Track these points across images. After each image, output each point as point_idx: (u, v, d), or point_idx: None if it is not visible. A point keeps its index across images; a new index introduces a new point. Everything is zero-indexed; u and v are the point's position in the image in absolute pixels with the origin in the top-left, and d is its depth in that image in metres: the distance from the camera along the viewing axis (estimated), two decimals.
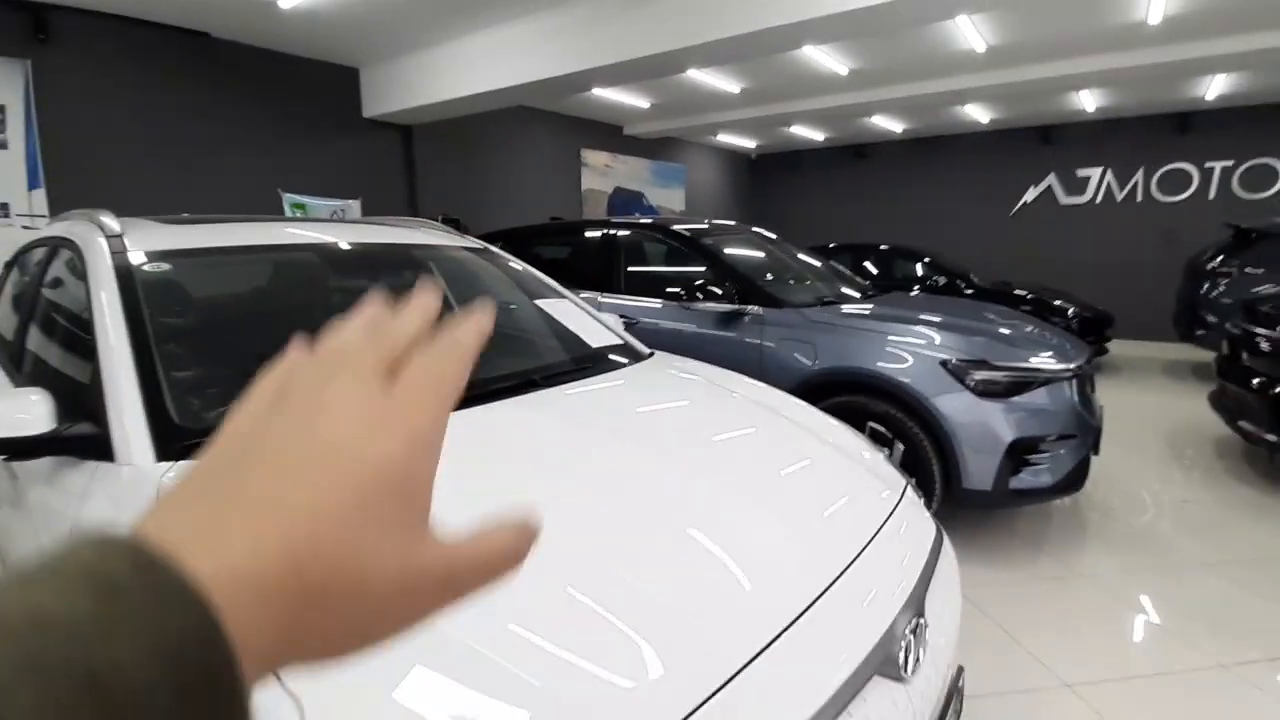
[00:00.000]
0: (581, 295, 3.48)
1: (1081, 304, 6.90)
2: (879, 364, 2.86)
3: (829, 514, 1.25)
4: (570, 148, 8.91)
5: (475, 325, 0.27)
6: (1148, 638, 2.27)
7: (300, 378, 0.25)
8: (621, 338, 2.21)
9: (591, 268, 4.06)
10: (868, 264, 7.86)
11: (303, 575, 0.20)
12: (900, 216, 10.21)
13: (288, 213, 6.22)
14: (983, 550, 2.87)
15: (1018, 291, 6.98)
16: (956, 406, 2.69)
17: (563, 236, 4.69)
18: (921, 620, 1.10)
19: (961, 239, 9.31)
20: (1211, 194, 7.92)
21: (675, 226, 3.87)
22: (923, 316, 3.17)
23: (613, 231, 4.12)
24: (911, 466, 2.78)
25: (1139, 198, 8.38)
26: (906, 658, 1.02)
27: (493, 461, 1.23)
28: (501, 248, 4.43)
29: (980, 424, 2.66)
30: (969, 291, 7.04)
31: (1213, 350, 4.97)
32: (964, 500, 2.73)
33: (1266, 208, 7.32)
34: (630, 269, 3.95)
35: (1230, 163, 7.78)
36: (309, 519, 0.21)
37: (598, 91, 7.17)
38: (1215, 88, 6.92)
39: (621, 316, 3.43)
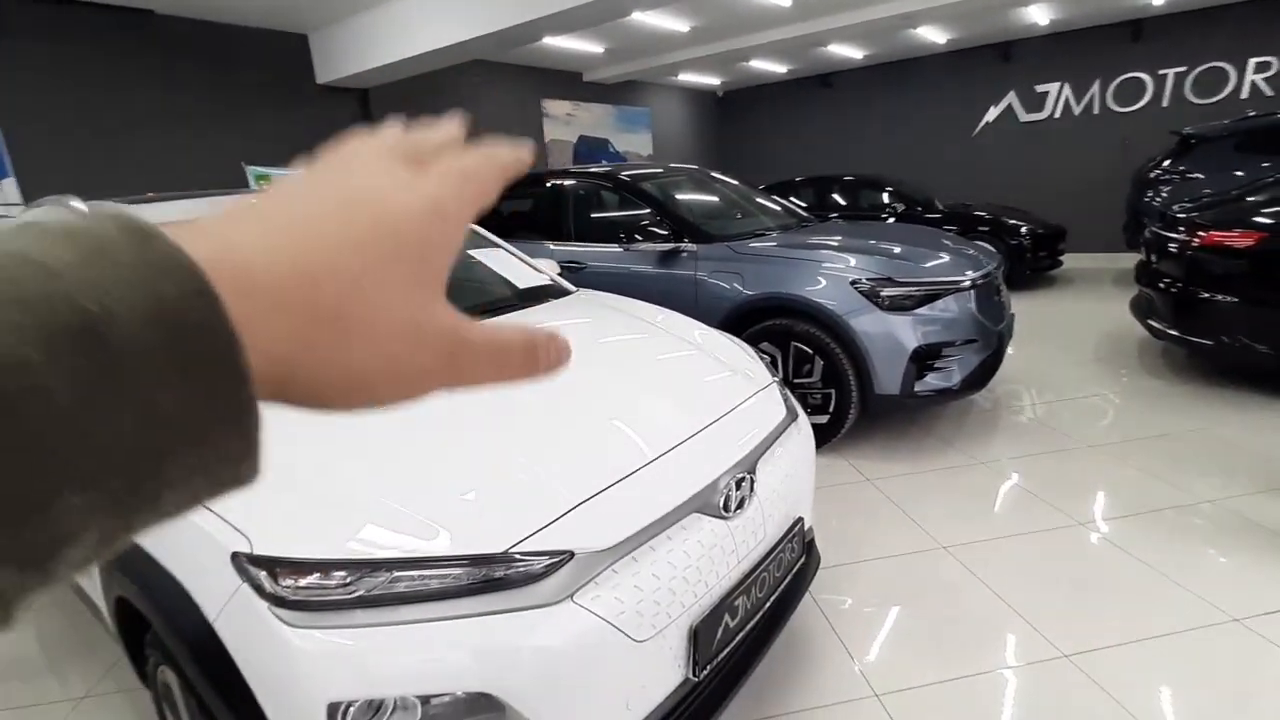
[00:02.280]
0: (531, 245, 3.73)
1: (1036, 221, 7.12)
2: (799, 289, 3.13)
3: (687, 404, 1.55)
4: (531, 99, 8.91)
5: (512, 150, 0.27)
6: (1019, 507, 2.64)
7: (333, 155, 0.25)
8: (551, 279, 2.47)
9: (545, 218, 4.28)
10: (835, 195, 8.04)
11: (318, 289, 0.20)
12: (868, 145, 10.27)
13: (252, 185, 6.36)
14: (899, 449, 3.23)
15: (976, 213, 7.19)
16: (867, 322, 2.98)
17: (518, 189, 4.86)
18: (750, 477, 1.42)
19: (927, 163, 9.42)
20: (1165, 102, 8.01)
21: (620, 174, 4.07)
22: (842, 241, 3.43)
23: (561, 182, 4.31)
24: (831, 378, 3.10)
25: (1096, 110, 8.46)
26: (728, 502, 1.34)
27: None
28: None
29: (887, 335, 2.96)
30: (930, 216, 7.25)
31: None
32: (878, 405, 3.06)
33: (1220, 112, 7.42)
34: (579, 217, 4.17)
35: (1183, 68, 7.84)
36: (326, 242, 0.21)
37: (551, 40, 7.17)
38: None
39: (569, 262, 3.72)
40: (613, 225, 3.97)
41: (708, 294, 3.37)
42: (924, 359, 2.99)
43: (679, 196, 4.05)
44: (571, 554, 1.08)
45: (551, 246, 4.01)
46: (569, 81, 9.31)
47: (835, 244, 3.40)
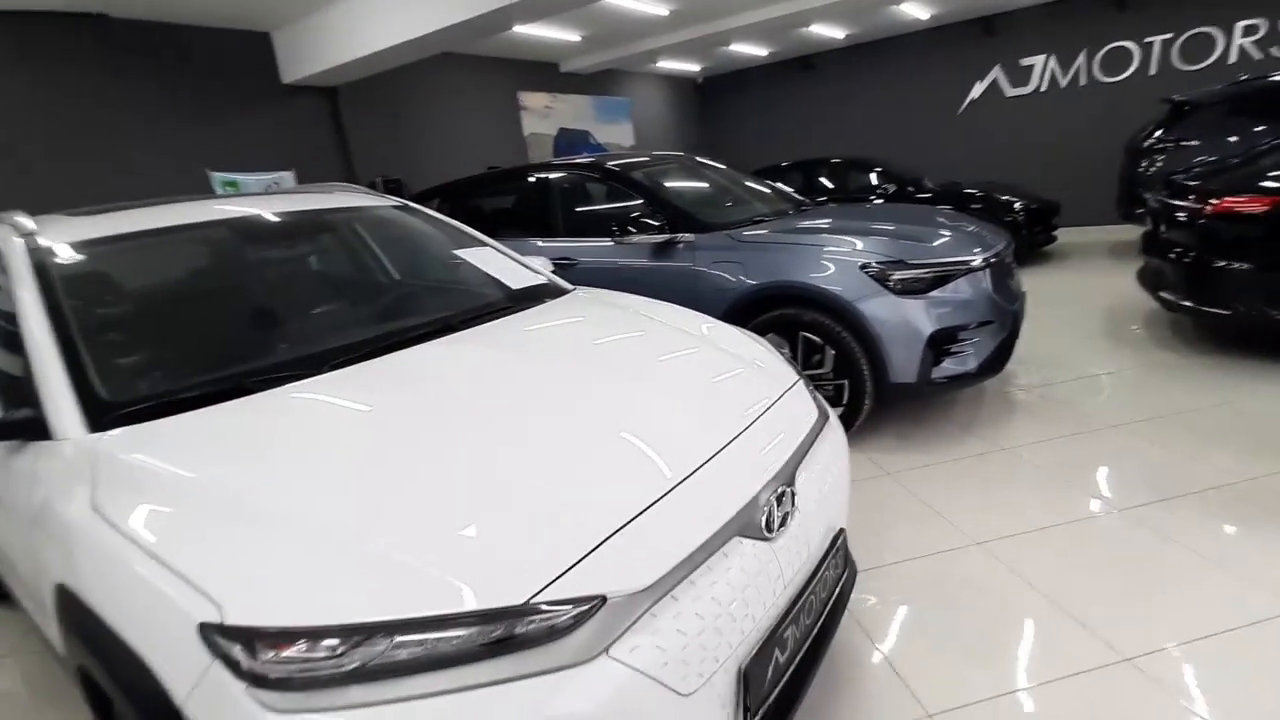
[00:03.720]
0: (517, 242, 3.56)
1: (1029, 196, 7.05)
2: (806, 276, 2.99)
3: (709, 410, 1.40)
4: (506, 92, 8.68)
5: None
6: (1050, 494, 2.52)
7: None
8: (546, 278, 2.31)
9: (530, 213, 4.10)
10: (822, 179, 7.92)
11: None
12: (852, 126, 10.15)
13: (219, 191, 6.10)
14: (917, 438, 3.10)
15: (967, 191, 7.10)
16: (879, 307, 2.85)
17: (500, 185, 4.69)
18: (789, 490, 1.27)
19: (913, 143, 9.32)
20: (1153, 69, 7.96)
21: (607, 163, 3.90)
22: (848, 225, 3.30)
23: (546, 175, 4.14)
24: (844, 368, 2.96)
25: (1083, 81, 8.39)
26: (770, 521, 1.19)
27: (424, 394, 1.38)
28: (439, 204, 4.51)
29: (901, 321, 2.82)
30: (921, 196, 7.15)
31: None
32: (893, 394, 2.93)
33: (1208, 77, 7.38)
34: (567, 211, 3.99)
35: (1169, 35, 7.79)
36: None
37: (524, 29, 6.95)
38: None
39: (559, 259, 3.55)
40: (603, 218, 3.79)
41: (709, 286, 3.21)
42: (940, 344, 2.86)
43: (670, 185, 3.89)
44: (604, 599, 0.92)
45: (539, 243, 3.84)
46: (546, 73, 9.09)
47: (839, 227, 3.26)
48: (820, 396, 1.72)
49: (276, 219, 2.19)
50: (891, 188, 7.47)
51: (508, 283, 2.16)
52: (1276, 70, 6.35)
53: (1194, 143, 5.95)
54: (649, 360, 1.67)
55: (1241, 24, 7.34)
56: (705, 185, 4.14)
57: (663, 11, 6.98)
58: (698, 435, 1.29)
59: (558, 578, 0.92)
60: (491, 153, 8.00)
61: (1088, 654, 1.73)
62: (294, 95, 6.58)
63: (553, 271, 2.46)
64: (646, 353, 1.71)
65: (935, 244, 3.05)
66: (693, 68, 10.90)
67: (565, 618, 0.89)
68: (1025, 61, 8.70)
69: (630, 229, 3.44)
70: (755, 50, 9.75)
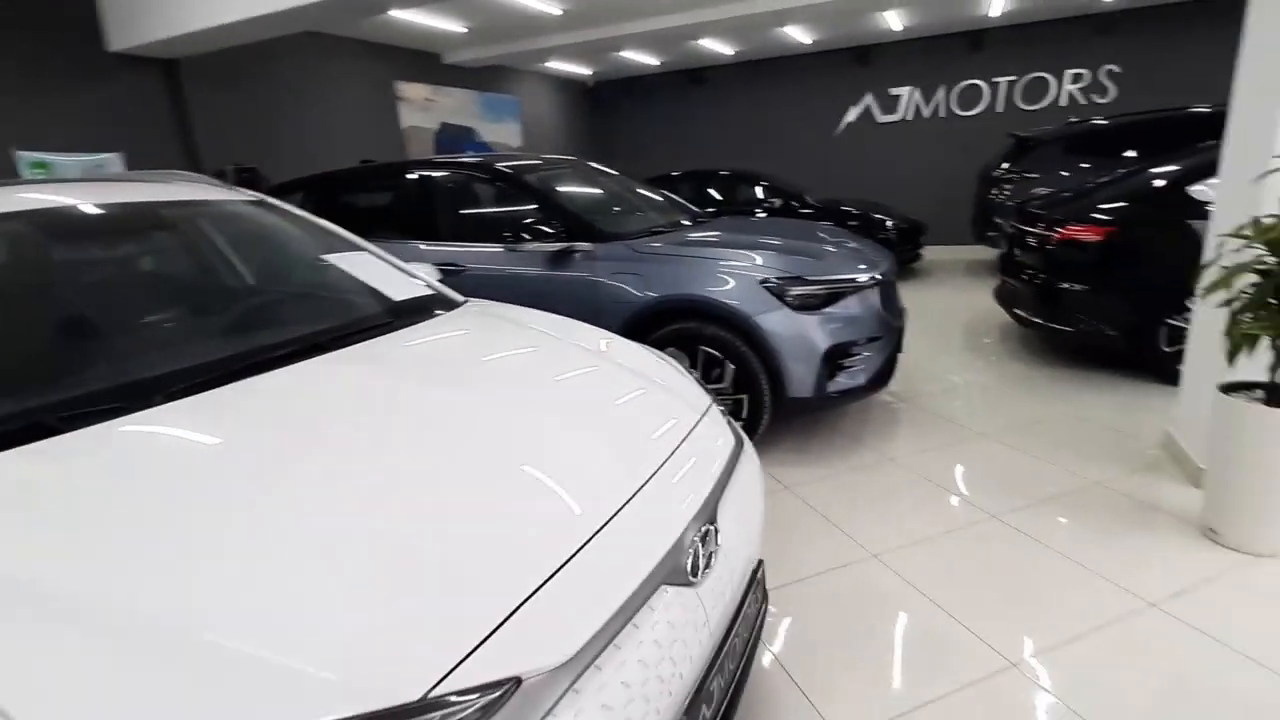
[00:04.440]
0: (395, 245, 3.29)
1: (899, 216, 7.66)
2: (707, 289, 3.00)
3: (622, 441, 1.31)
4: (382, 81, 8.14)
5: None
6: (934, 503, 2.68)
7: None
8: (434, 288, 2.11)
9: (411, 214, 3.81)
10: (711, 190, 8.14)
11: None
12: (739, 140, 10.56)
13: (25, 174, 5.18)
14: (811, 450, 3.20)
15: (845, 208, 7.58)
16: (778, 322, 2.90)
17: (376, 181, 4.34)
18: (712, 527, 1.21)
19: (796, 160, 9.85)
20: (1000, 107, 8.96)
21: (499, 164, 3.71)
22: (745, 239, 3.35)
23: (430, 172, 3.87)
24: (743, 383, 2.99)
25: (942, 113, 9.28)
26: (696, 563, 1.12)
27: (286, 431, 1.16)
28: (303, 199, 4.09)
29: (799, 336, 2.90)
30: (804, 211, 7.54)
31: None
32: (791, 408, 3.00)
33: (1043, 118, 8.41)
34: (453, 213, 3.76)
35: (1014, 77, 8.81)
36: None
37: (403, 14, 6.55)
38: (998, 5, 7.70)
39: (445, 264, 3.32)
40: (494, 222, 3.61)
41: (608, 297, 3.13)
42: (835, 359, 2.97)
43: (566, 190, 3.77)
44: (518, 681, 0.79)
45: (422, 247, 3.57)
46: (427, 63, 8.63)
47: (736, 241, 3.31)
48: (733, 421, 1.68)
49: (98, 212, 1.82)
50: (778, 202, 7.83)
51: (388, 294, 1.94)
52: (1098, 115, 7.36)
53: (1035, 175, 6.73)
54: (553, 382, 1.54)
55: (1070, 72, 8.46)
56: (601, 192, 4.07)
57: (555, 10, 6.86)
58: (615, 471, 1.19)
59: (461, 661, 0.78)
60: (364, 145, 7.47)
61: (982, 662, 1.82)
62: (124, 66, 5.74)
63: (439, 280, 2.27)
64: (549, 374, 1.59)
65: (829, 260, 3.17)
66: (584, 71, 10.84)
67: (471, 710, 0.76)
68: (894, 91, 9.48)
69: (524, 235, 3.29)
70: (647, 59, 9.87)
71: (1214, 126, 2.91)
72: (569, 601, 0.91)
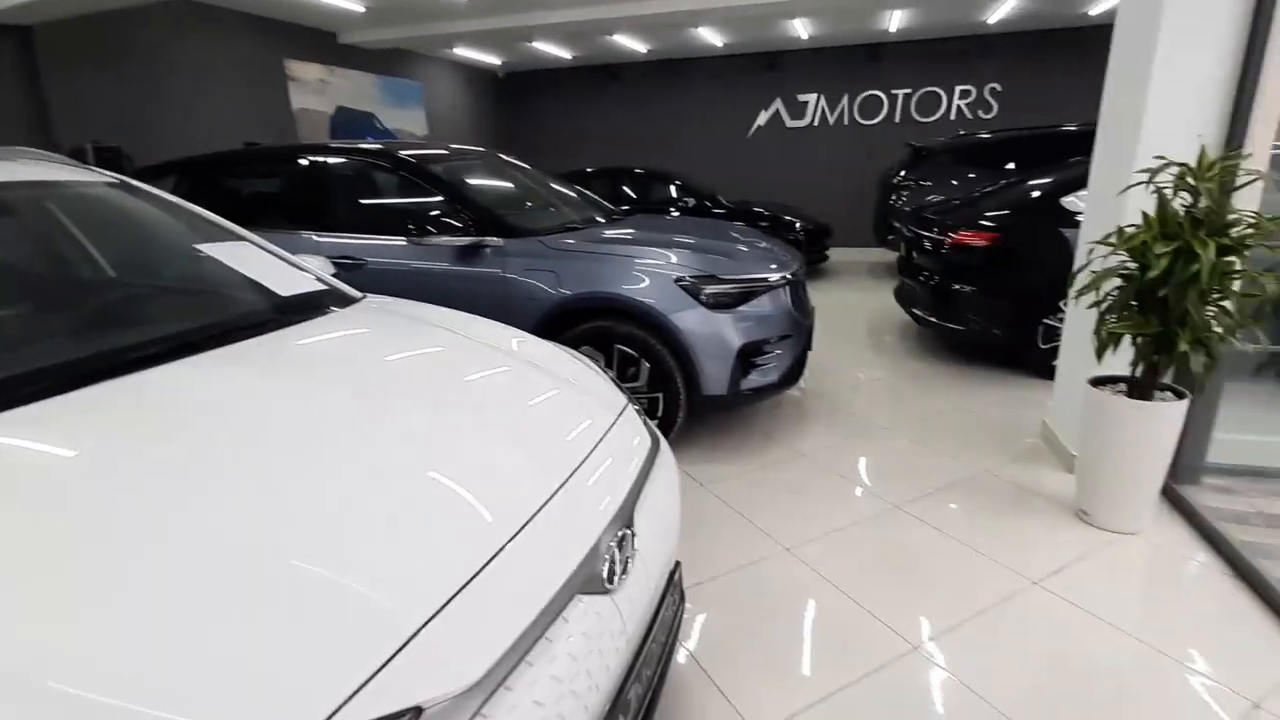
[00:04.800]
0: (283, 236, 3.06)
1: (807, 218, 7.98)
2: (622, 287, 2.98)
3: (535, 444, 1.26)
4: (270, 58, 7.57)
5: None
6: (842, 495, 2.80)
7: None
8: (326, 282, 1.96)
9: (302, 203, 3.56)
10: (625, 188, 8.16)
11: None
12: (654, 139, 10.65)
13: None
14: (725, 448, 3.26)
15: (757, 209, 7.81)
16: (693, 321, 2.93)
17: (262, 166, 4.02)
18: (629, 531, 1.18)
19: (709, 160, 10.06)
20: (898, 117, 9.53)
21: (401, 152, 3.53)
22: (659, 237, 3.36)
23: (325, 159, 3.63)
24: (659, 382, 3.00)
25: (846, 121, 9.77)
26: (612, 569, 1.09)
27: (156, 440, 1.02)
28: (176, 185, 3.72)
29: (713, 334, 2.94)
30: (717, 211, 7.71)
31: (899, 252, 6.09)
32: (705, 406, 3.04)
33: (936, 129, 9.04)
34: (350, 202, 3.54)
35: (909, 90, 9.40)
36: None
37: None
38: (896, 22, 8.18)
39: (342, 258, 3.12)
40: (397, 214, 3.43)
41: (519, 295, 3.05)
42: (748, 356, 3.03)
43: (475, 183, 3.65)
44: (418, 711, 0.73)
45: (315, 239, 3.34)
46: (321, 42, 8.11)
47: (650, 239, 3.31)
48: (648, 420, 1.67)
49: None
50: (691, 201, 7.95)
51: (275, 288, 1.79)
52: (983, 129, 7.99)
53: (929, 183, 7.21)
54: (460, 384, 1.47)
55: (958, 88, 9.13)
56: (513, 186, 3.96)
57: None
58: (527, 476, 1.14)
59: (353, 695, 0.71)
60: (249, 128, 6.93)
61: (887, 647, 1.90)
62: None
63: (334, 274, 2.11)
64: (456, 375, 1.51)
65: (741, 259, 3.23)
66: (494, 60, 10.57)
67: None
68: (801, 97, 9.88)
69: (430, 229, 3.14)
70: (559, 51, 9.75)
71: (1082, 144, 3.22)
72: (476, 619, 0.86)
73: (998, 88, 9.00)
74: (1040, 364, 3.97)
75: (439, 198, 3.29)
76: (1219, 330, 2.18)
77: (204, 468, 0.99)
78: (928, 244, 4.59)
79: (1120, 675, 1.80)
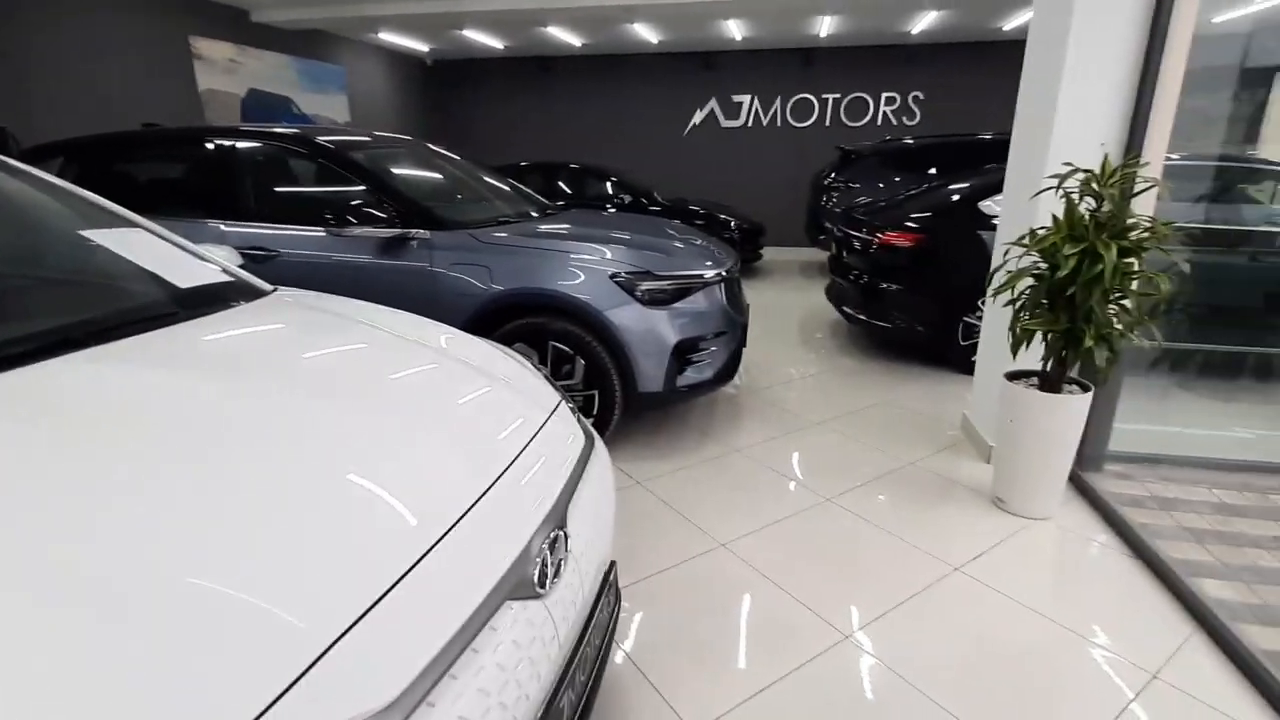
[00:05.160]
0: (188, 225, 2.87)
1: (742, 217, 8.12)
2: (557, 283, 2.93)
3: (463, 443, 1.21)
4: (173, 35, 7.06)
5: None
6: (776, 490, 2.86)
7: None
8: (232, 273, 1.83)
9: (209, 189, 3.33)
10: (560, 183, 8.07)
11: None
12: (588, 134, 10.59)
13: None
14: (660, 445, 3.26)
15: (692, 207, 7.88)
16: (628, 317, 2.92)
17: (163, 149, 3.73)
18: (562, 532, 1.15)
19: (644, 157, 10.08)
20: (828, 121, 9.84)
21: (320, 138, 3.35)
22: (595, 233, 3.33)
23: (234, 142, 3.40)
24: (594, 379, 2.97)
25: (779, 123, 10.00)
26: (544, 573, 1.05)
27: (37, 441, 0.91)
28: (63, 167, 3.41)
29: (649, 331, 2.93)
30: (653, 208, 7.73)
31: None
32: (642, 403, 3.03)
33: (864, 134, 9.38)
34: (263, 190, 3.33)
35: (839, 94, 9.72)
36: None
37: None
38: (826, 28, 8.44)
39: (253, 249, 2.94)
40: (315, 203, 3.26)
41: (449, 290, 2.95)
42: (683, 353, 3.04)
43: (401, 172, 3.51)
44: None
45: (224, 228, 3.14)
46: (231, 19, 7.63)
47: (585, 235, 3.28)
48: (581, 417, 1.64)
49: None
50: (627, 198, 7.95)
51: (172, 279, 1.65)
52: (908, 135, 8.36)
53: (857, 185, 7.48)
54: (381, 381, 1.39)
55: (885, 94, 9.51)
56: (442, 177, 3.84)
57: None
58: (455, 477, 1.09)
59: (261, 715, 0.65)
60: (149, 108, 6.44)
61: (818, 637, 1.95)
62: None
63: (242, 265, 1.98)
64: (377, 372, 1.43)
65: (677, 256, 3.24)
66: (422, 47, 10.24)
67: None
68: (736, 98, 10.05)
69: (351, 219, 3.00)
70: (491, 41, 9.54)
71: (999, 151, 3.40)
72: (395, 632, 0.81)
73: (921, 96, 9.43)
74: (961, 360, 4.18)
75: (361, 187, 3.15)
76: (1119, 327, 2.35)
77: (83, 477, 0.89)
78: (856, 244, 4.75)
79: (1034, 653, 1.91)
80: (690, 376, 3.13)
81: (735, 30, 8.64)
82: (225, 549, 0.82)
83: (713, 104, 10.17)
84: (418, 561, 0.89)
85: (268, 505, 0.91)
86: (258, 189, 3.36)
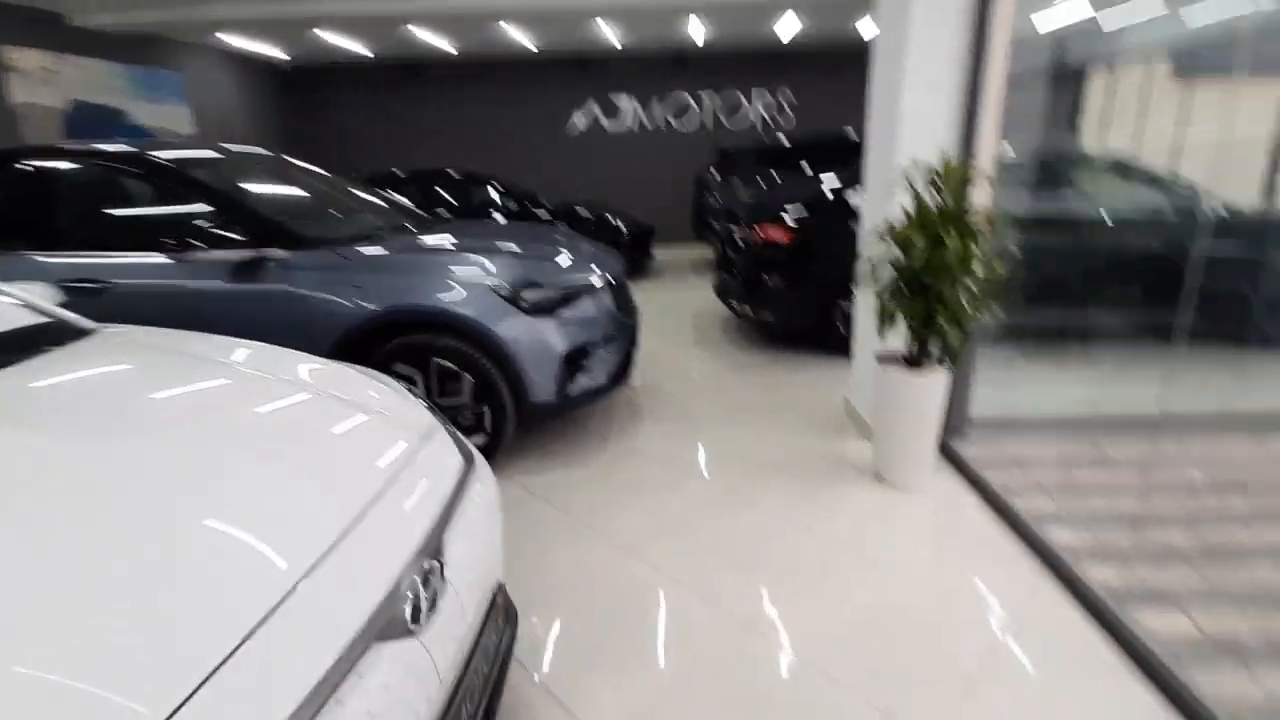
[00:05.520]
0: (4, 257, 2.55)
1: (631, 220, 8.22)
2: (437, 299, 2.84)
3: (327, 479, 1.15)
4: None
5: None
6: (676, 487, 2.92)
7: None
8: (47, 313, 1.64)
9: (24, 217, 2.96)
10: (441, 192, 7.83)
11: None
12: (469, 141, 10.35)
13: None
14: (558, 454, 3.24)
15: (580, 211, 7.89)
16: (514, 329, 2.87)
17: None
18: (437, 562, 1.12)
19: (527, 163, 9.99)
20: (708, 121, 10.16)
21: (153, 154, 3.06)
22: (476, 244, 3.26)
23: (53, 163, 3.04)
24: (484, 394, 2.90)
25: (660, 124, 10.21)
26: (417, 608, 1.02)
27: None
28: None
29: (536, 342, 2.91)
30: (539, 214, 7.67)
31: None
32: (535, 414, 3.00)
33: (743, 133, 9.76)
34: (89, 215, 3.00)
35: (717, 96, 10.05)
36: None
37: None
38: (700, 31, 8.70)
39: (79, 282, 2.66)
40: (153, 227, 2.98)
41: (316, 312, 2.79)
42: (574, 361, 3.04)
43: (252, 188, 3.27)
44: None
45: (40, 259, 2.80)
46: (45, 24, 6.81)
47: (466, 246, 3.20)
48: (462, 437, 1.60)
49: None
50: (513, 205, 7.84)
51: None
52: (782, 133, 8.79)
53: (738, 182, 7.76)
54: (231, 419, 1.29)
55: (759, 95, 9.96)
56: (302, 192, 3.61)
57: None
58: (309, 519, 1.03)
59: None
60: None
61: (722, 628, 2.01)
62: None
63: (66, 302, 1.77)
64: (226, 410, 1.33)
65: (561, 264, 3.23)
66: (276, 52, 9.59)
67: None
68: (616, 101, 10.16)
69: (196, 242, 2.76)
70: (354, 45, 9.10)
71: (861, 148, 3.65)
72: (245, 691, 0.75)
73: (793, 97, 9.95)
74: (842, 346, 4.44)
75: (206, 206, 2.90)
76: (968, 308, 2.59)
77: None
78: (739, 240, 4.94)
79: (916, 611, 2.06)
80: (583, 383, 3.13)
81: (611, 33, 8.73)
82: (49, 627, 0.74)
83: (594, 107, 10.24)
84: (269, 614, 0.84)
85: (107, 560, 0.82)
86: (83, 214, 3.03)
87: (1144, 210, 4.44)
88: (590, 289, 3.18)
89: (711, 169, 8.11)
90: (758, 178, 7.48)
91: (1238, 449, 3.02)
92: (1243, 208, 4.49)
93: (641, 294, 7.20)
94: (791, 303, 4.66)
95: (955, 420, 3.10)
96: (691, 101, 10.10)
